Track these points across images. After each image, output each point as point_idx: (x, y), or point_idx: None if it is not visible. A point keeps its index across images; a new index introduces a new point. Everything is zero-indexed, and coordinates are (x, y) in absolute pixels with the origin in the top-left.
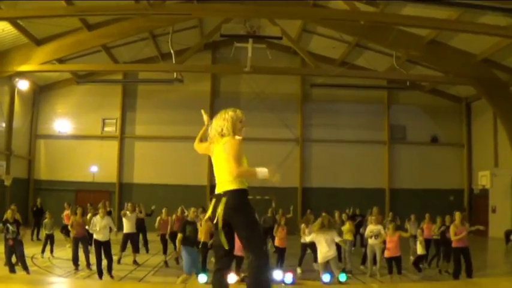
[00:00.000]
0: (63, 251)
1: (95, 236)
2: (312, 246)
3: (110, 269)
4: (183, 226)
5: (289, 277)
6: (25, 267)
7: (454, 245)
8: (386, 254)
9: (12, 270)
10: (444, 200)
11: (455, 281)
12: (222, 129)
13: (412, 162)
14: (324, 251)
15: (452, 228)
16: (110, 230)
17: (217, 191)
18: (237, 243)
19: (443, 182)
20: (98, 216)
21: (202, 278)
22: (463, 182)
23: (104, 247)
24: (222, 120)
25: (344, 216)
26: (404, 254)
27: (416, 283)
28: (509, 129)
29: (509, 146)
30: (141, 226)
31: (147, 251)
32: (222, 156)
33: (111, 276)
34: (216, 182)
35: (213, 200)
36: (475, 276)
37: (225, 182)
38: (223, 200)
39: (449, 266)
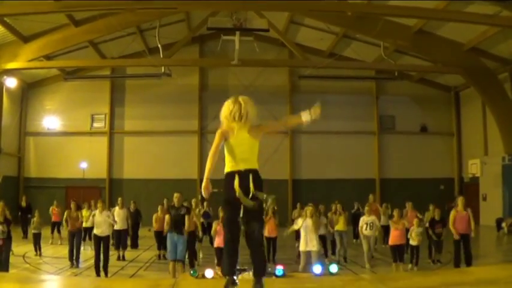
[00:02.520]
0: (53, 249)
1: (94, 231)
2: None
3: (105, 266)
4: (168, 210)
5: (280, 269)
6: (6, 268)
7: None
8: (391, 241)
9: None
10: (434, 189)
11: (447, 270)
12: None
13: (402, 152)
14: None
15: (452, 214)
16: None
17: (243, 167)
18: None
19: (434, 171)
20: (96, 211)
21: (193, 271)
22: (453, 171)
23: (103, 242)
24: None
25: (339, 206)
26: None
27: (409, 273)
28: (498, 117)
29: (498, 134)
30: (136, 221)
31: (137, 246)
32: (251, 140)
33: (106, 274)
34: (239, 159)
35: (237, 176)
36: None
37: (253, 161)
38: (251, 176)
39: (441, 256)
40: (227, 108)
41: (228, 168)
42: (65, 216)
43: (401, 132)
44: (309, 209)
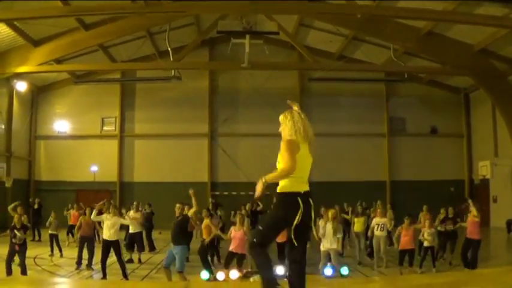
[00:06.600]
0: (68, 251)
1: (103, 236)
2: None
3: (124, 271)
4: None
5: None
6: (24, 272)
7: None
8: (401, 246)
9: (10, 272)
10: (445, 191)
11: (457, 273)
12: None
13: (412, 154)
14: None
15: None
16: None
17: (306, 189)
18: (236, 240)
19: (444, 173)
20: (106, 215)
21: (205, 275)
22: (464, 173)
23: (113, 247)
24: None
25: (359, 208)
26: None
27: (418, 275)
28: (508, 118)
29: (508, 135)
30: (149, 223)
31: (154, 249)
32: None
33: (126, 278)
34: (305, 180)
35: (301, 200)
36: (477, 266)
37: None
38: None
39: (453, 257)
40: (298, 121)
41: (292, 187)
42: (79, 223)
43: (412, 134)
44: (331, 211)
